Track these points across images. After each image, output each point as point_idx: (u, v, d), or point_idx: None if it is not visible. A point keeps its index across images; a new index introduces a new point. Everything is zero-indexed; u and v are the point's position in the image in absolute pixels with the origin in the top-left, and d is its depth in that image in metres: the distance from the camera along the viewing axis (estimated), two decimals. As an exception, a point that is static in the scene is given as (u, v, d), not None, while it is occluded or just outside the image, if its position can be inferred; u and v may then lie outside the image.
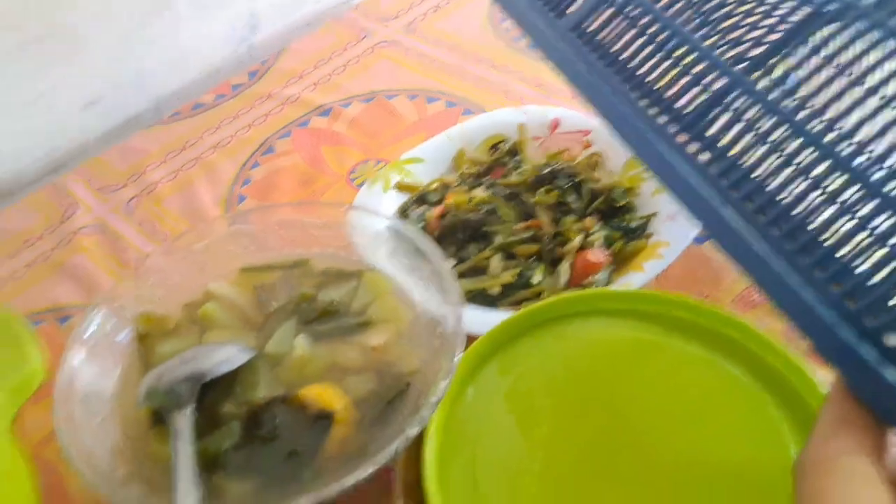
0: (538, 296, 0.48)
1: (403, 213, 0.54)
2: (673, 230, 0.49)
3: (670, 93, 0.34)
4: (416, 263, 0.45)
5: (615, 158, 0.56)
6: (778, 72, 0.33)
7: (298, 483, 0.37)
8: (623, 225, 0.52)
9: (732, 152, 0.31)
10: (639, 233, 0.51)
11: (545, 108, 0.61)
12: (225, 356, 0.40)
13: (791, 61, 0.32)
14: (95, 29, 0.70)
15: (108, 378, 0.40)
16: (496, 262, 0.49)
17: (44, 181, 0.69)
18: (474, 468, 0.36)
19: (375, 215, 0.50)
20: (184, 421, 0.37)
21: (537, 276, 0.48)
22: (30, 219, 0.63)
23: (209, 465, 0.37)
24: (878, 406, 0.23)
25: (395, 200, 0.56)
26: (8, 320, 0.49)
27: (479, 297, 0.49)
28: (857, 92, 0.27)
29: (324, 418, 0.39)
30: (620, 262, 0.50)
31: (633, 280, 0.47)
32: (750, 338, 0.39)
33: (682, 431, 0.37)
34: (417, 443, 0.36)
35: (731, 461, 0.35)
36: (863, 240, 0.26)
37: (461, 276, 0.49)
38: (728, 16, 0.35)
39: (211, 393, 0.40)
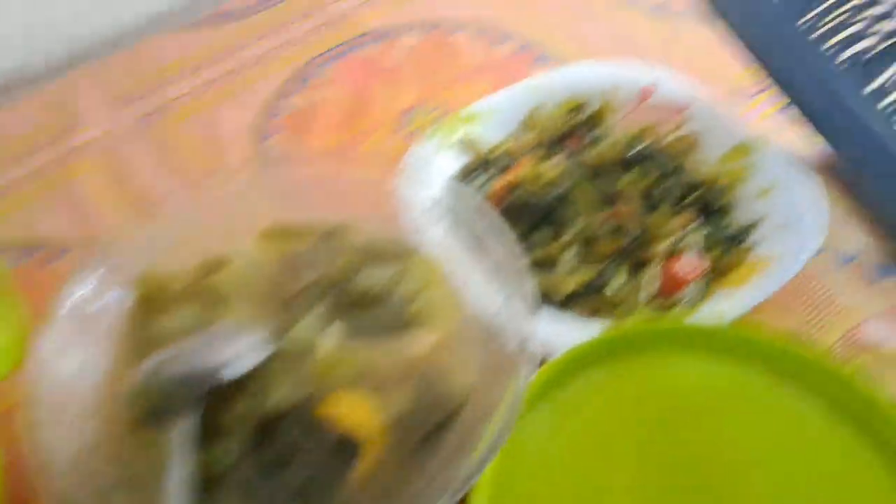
0: (614, 307, 0.40)
1: (463, 179, 0.46)
2: (786, 242, 0.41)
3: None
4: (478, 250, 0.37)
5: (714, 145, 0.47)
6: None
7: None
8: (724, 229, 0.43)
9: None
10: (737, 241, 0.43)
11: (638, 70, 0.51)
12: (237, 352, 0.33)
13: None
14: None
15: (92, 359, 0.33)
16: (569, 257, 0.41)
17: (44, 81, 0.59)
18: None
19: (432, 182, 0.41)
20: (180, 436, 0.30)
21: (618, 281, 0.40)
22: (23, 125, 0.55)
23: (205, 482, 0.30)
24: None
25: (454, 162, 0.47)
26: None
27: (544, 299, 0.41)
28: None
29: (350, 443, 0.32)
30: (716, 276, 0.42)
31: (735, 304, 0.39)
32: (856, 396, 0.33)
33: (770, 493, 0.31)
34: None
35: None
36: None
37: (525, 268, 0.41)
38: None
39: (216, 396, 0.33)
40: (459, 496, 0.29)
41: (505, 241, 0.36)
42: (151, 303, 0.37)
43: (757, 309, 0.39)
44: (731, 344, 0.36)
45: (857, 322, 0.42)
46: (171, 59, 0.59)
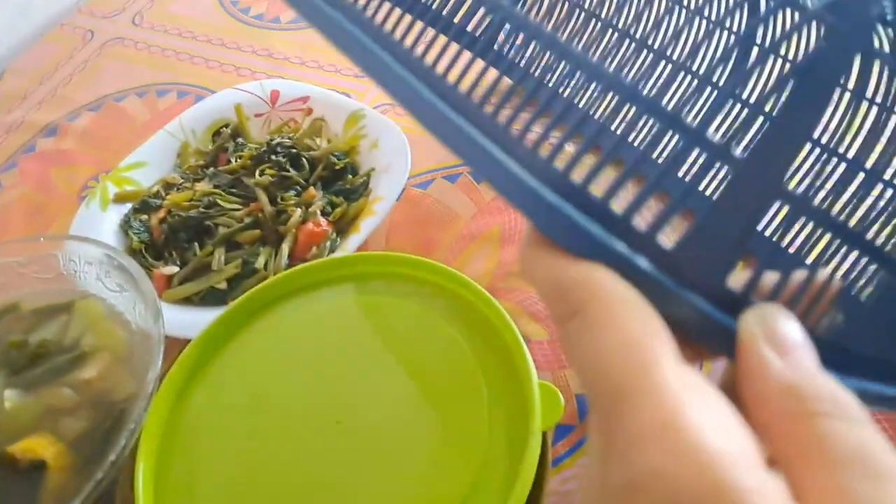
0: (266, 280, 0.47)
1: (128, 224, 0.52)
2: (386, 184, 0.50)
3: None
4: (123, 282, 0.44)
5: (337, 121, 0.56)
6: None
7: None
8: (345, 188, 0.52)
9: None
10: (360, 193, 0.51)
11: (260, 82, 0.59)
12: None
13: None
14: None
15: None
16: (218, 257, 0.49)
17: None
18: (192, 481, 0.35)
19: (82, 240, 0.48)
20: None
21: (260, 261, 0.48)
22: None
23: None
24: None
25: (119, 213, 0.53)
26: None
27: (211, 297, 0.48)
28: None
29: (37, 468, 0.38)
30: (346, 225, 0.50)
31: (352, 242, 0.47)
32: (450, 279, 0.40)
33: (395, 386, 0.37)
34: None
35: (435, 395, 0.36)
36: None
37: (188, 279, 0.48)
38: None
39: None
40: (117, 467, 0.35)
41: (133, 268, 0.43)
42: None
43: (387, 237, 0.48)
44: (352, 269, 0.43)
45: (466, 221, 0.51)
46: None
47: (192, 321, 0.45)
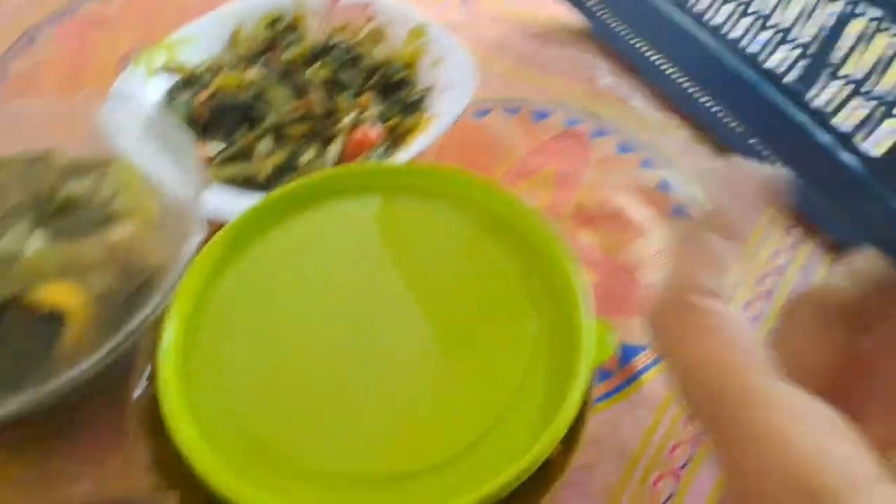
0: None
1: (171, 97, 0.50)
2: (445, 102, 0.48)
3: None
4: (166, 149, 0.42)
5: (398, 32, 0.54)
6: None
7: (28, 384, 0.34)
8: (400, 101, 0.50)
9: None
10: (416, 108, 0.50)
11: (324, -20, 0.57)
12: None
13: None
14: None
15: None
16: (264, 145, 0.47)
17: None
18: (221, 353, 0.34)
19: (126, 100, 0.46)
20: None
21: (307, 156, 0.46)
22: None
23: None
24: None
25: (163, 84, 0.51)
26: None
27: (249, 184, 0.46)
28: None
29: (57, 318, 0.36)
30: (398, 139, 0.49)
31: (403, 157, 0.46)
32: (496, 200, 0.39)
33: (432, 298, 0.36)
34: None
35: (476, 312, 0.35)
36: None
37: (228, 161, 0.46)
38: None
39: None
40: (139, 333, 0.34)
41: (182, 138, 0.41)
42: None
43: (437, 156, 0.46)
44: (398, 179, 0.41)
45: (520, 156, 0.50)
46: None
47: (228, 204, 0.43)
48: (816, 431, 0.16)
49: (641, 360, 0.39)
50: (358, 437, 0.31)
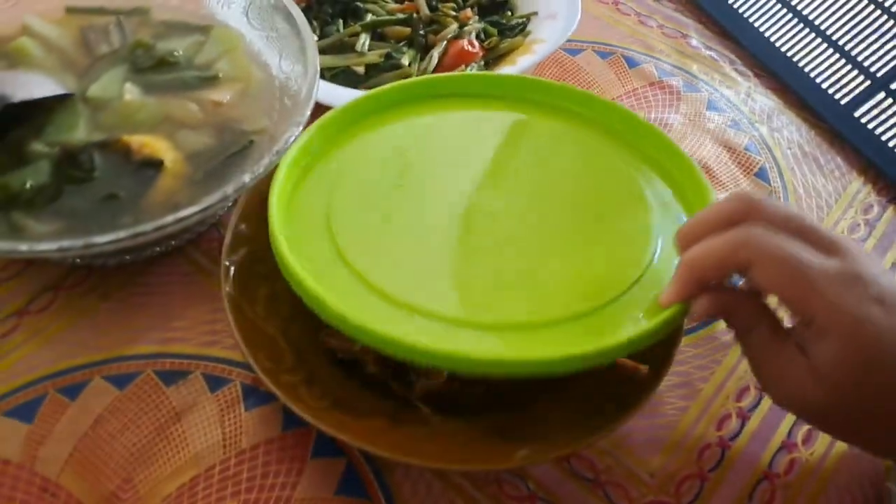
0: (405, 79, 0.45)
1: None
2: (550, 29, 0.47)
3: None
4: (274, 23, 0.41)
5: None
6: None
7: (115, 228, 0.33)
8: (502, 21, 0.49)
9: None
10: (517, 31, 0.49)
11: None
12: (36, 84, 0.35)
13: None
14: None
15: None
16: (364, 40, 0.46)
17: None
18: (329, 219, 0.33)
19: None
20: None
21: (406, 59, 0.45)
22: None
23: (8, 202, 0.33)
24: None
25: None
26: None
27: (343, 76, 0.45)
28: None
29: (151, 167, 0.35)
30: (496, 58, 0.48)
31: (505, 71, 0.45)
32: (613, 112, 0.38)
33: (559, 195, 0.36)
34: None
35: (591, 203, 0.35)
36: None
37: (325, 51, 0.45)
38: None
39: (18, 131, 0.35)
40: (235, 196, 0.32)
41: (296, 16, 0.39)
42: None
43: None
44: (507, 89, 0.40)
45: (612, 97, 0.49)
46: None
47: (322, 93, 0.42)
48: None
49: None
50: (485, 288, 0.30)
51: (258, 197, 0.34)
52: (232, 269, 0.33)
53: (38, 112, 0.36)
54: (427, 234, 0.33)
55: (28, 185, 0.33)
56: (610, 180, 0.36)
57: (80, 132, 0.36)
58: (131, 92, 0.38)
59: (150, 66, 0.39)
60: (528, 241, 0.33)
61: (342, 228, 0.32)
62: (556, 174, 0.37)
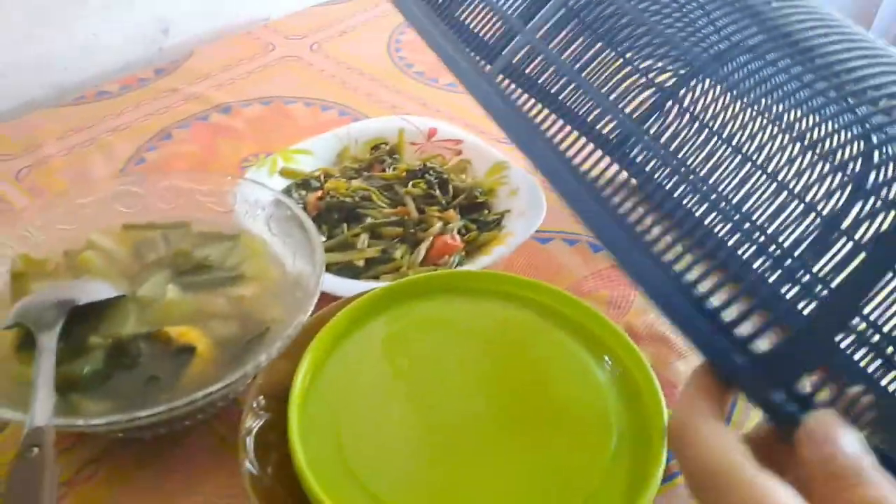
0: (398, 270, 0.53)
1: (287, 194, 0.59)
2: (520, 224, 0.56)
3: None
4: (290, 230, 0.50)
5: (481, 166, 0.64)
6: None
7: (155, 406, 0.40)
8: (480, 219, 0.58)
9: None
10: (493, 226, 0.58)
11: (425, 118, 0.68)
12: (97, 289, 0.44)
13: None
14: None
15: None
16: (363, 239, 0.55)
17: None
18: (339, 425, 0.38)
19: (258, 186, 0.54)
20: (48, 340, 0.40)
21: (398, 253, 0.54)
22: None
23: (69, 386, 0.40)
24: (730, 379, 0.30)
25: (280, 184, 0.60)
26: None
27: (346, 270, 0.54)
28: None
29: (186, 352, 0.43)
30: (474, 250, 0.56)
31: (481, 262, 0.53)
32: (573, 308, 0.45)
33: (524, 393, 0.41)
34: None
35: (557, 408, 0.40)
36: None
37: (332, 249, 0.54)
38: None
39: (80, 326, 0.43)
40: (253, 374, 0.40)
41: (307, 225, 0.49)
42: (26, 277, 0.47)
43: (505, 269, 0.54)
44: (484, 284, 0.47)
45: (577, 279, 0.57)
46: (47, 128, 0.71)
47: (330, 283, 0.50)
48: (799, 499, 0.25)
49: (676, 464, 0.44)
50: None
51: (272, 376, 0.41)
52: (248, 439, 0.40)
53: (97, 310, 0.44)
54: (418, 442, 0.38)
55: (85, 371, 0.41)
56: (572, 381, 0.41)
57: (129, 326, 0.44)
58: (173, 291, 0.47)
59: (189, 269, 0.48)
60: (505, 447, 0.38)
61: (349, 440, 0.37)
62: (529, 374, 0.42)
